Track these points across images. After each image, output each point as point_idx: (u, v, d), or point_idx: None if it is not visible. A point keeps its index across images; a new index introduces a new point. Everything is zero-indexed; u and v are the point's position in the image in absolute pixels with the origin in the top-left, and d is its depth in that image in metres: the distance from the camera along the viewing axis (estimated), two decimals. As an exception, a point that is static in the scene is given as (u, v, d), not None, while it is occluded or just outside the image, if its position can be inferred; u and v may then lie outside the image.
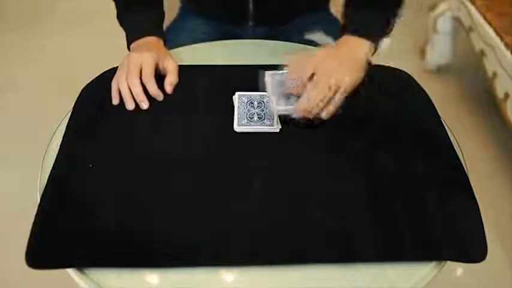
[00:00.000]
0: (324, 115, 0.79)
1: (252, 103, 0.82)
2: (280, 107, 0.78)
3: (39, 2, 2.38)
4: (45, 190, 0.71)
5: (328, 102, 0.78)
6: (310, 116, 0.78)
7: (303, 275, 0.64)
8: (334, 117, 0.80)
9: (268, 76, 0.81)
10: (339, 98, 0.78)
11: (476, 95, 1.91)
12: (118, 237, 0.65)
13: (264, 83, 0.80)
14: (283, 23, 1.10)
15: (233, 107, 0.82)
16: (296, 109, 0.77)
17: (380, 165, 0.75)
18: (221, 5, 1.05)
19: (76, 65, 1.92)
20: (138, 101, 0.82)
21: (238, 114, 0.81)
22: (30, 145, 1.24)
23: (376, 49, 0.86)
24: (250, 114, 0.81)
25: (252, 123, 0.80)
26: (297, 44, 1.02)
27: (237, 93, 0.83)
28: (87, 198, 0.70)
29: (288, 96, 0.79)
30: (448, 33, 1.91)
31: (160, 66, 0.86)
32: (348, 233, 0.67)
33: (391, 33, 0.89)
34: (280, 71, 0.81)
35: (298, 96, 0.77)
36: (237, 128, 0.79)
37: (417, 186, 0.73)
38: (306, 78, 0.77)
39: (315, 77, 0.77)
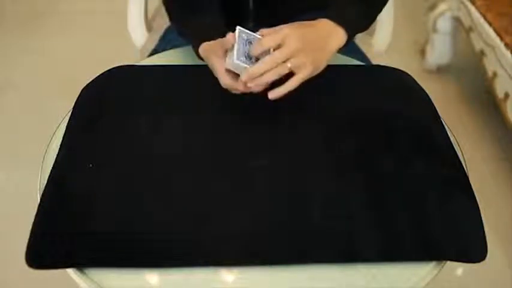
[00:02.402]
0: (271, 96, 0.75)
1: (250, 43, 0.78)
2: (238, 61, 0.75)
3: (39, 2, 2.38)
4: (45, 190, 0.71)
5: (280, 82, 0.75)
6: (255, 86, 0.75)
7: (303, 275, 0.64)
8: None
9: (238, 33, 0.77)
10: (293, 83, 0.75)
11: (476, 95, 1.91)
12: (118, 237, 0.65)
13: (234, 38, 0.77)
14: (283, 23, 1.09)
15: (232, 104, 0.81)
16: (245, 73, 0.74)
17: (380, 165, 0.75)
18: (221, 5, 1.05)
19: (76, 65, 1.92)
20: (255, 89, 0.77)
21: (237, 50, 0.76)
22: (30, 145, 1.24)
23: (348, 43, 0.84)
24: (248, 53, 0.77)
25: (248, 62, 0.76)
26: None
27: (238, 28, 0.78)
28: (87, 198, 0.70)
29: (250, 57, 0.76)
30: (448, 33, 1.91)
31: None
32: (348, 232, 0.67)
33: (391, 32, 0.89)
34: (252, 33, 0.78)
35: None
36: (236, 61, 0.75)
37: (417, 186, 0.73)
38: (271, 46, 0.74)
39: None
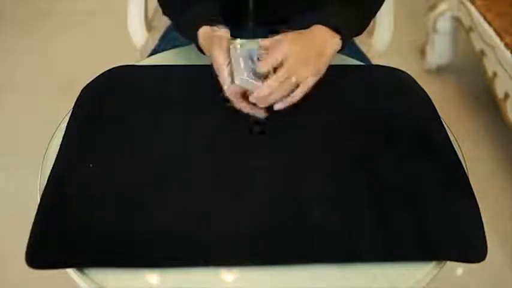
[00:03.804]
0: (276, 107, 0.79)
1: (251, 57, 0.79)
2: (246, 78, 0.77)
3: (39, 2, 2.38)
4: (45, 190, 0.71)
5: (285, 97, 0.79)
6: (263, 105, 0.78)
7: (303, 275, 0.64)
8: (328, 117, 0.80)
9: (237, 49, 0.80)
10: (297, 95, 0.79)
11: (476, 95, 1.91)
12: (118, 237, 0.65)
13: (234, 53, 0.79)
14: (283, 23, 1.09)
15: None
16: (253, 95, 0.77)
17: (380, 165, 0.75)
18: (220, 5, 1.05)
19: (76, 65, 1.92)
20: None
21: (241, 67, 0.78)
22: (30, 145, 1.24)
23: (344, 46, 0.86)
24: (253, 69, 0.78)
25: (253, 77, 0.78)
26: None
27: (235, 44, 0.80)
28: (87, 198, 0.70)
29: (255, 73, 0.78)
30: (448, 33, 1.90)
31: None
32: (348, 233, 0.67)
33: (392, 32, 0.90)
34: (249, 45, 0.80)
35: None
36: (243, 78, 0.77)
37: (417, 186, 0.73)
38: (275, 64, 0.77)
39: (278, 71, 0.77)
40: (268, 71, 0.77)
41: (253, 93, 0.77)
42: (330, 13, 0.85)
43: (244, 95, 0.80)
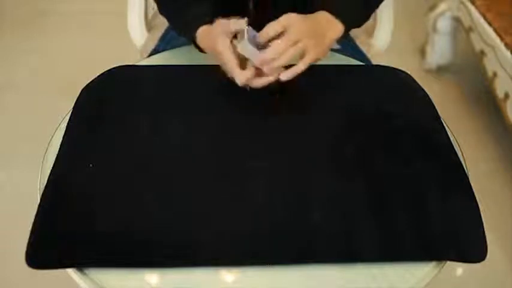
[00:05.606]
0: (283, 76, 0.77)
1: (255, 38, 0.79)
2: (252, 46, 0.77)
3: (39, 2, 2.38)
4: (45, 190, 0.71)
5: (290, 66, 0.77)
6: (268, 70, 0.76)
7: (303, 275, 0.64)
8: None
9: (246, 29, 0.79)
10: (302, 65, 0.78)
11: (476, 95, 1.91)
12: (118, 237, 0.65)
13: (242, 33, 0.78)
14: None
15: (233, 105, 0.81)
16: (258, 58, 0.76)
17: (380, 165, 0.76)
18: (220, 5, 1.05)
19: (76, 65, 1.92)
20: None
21: (248, 38, 0.78)
22: (30, 145, 1.24)
23: (345, 34, 0.86)
24: (257, 44, 0.78)
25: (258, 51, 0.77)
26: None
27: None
28: (87, 198, 0.70)
29: (258, 48, 0.78)
30: (448, 33, 1.91)
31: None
32: (348, 233, 0.67)
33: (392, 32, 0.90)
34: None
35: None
36: (249, 46, 0.77)
37: (417, 186, 0.73)
38: (276, 31, 0.77)
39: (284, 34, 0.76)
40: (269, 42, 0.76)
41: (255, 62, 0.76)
42: (334, 1, 0.85)
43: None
